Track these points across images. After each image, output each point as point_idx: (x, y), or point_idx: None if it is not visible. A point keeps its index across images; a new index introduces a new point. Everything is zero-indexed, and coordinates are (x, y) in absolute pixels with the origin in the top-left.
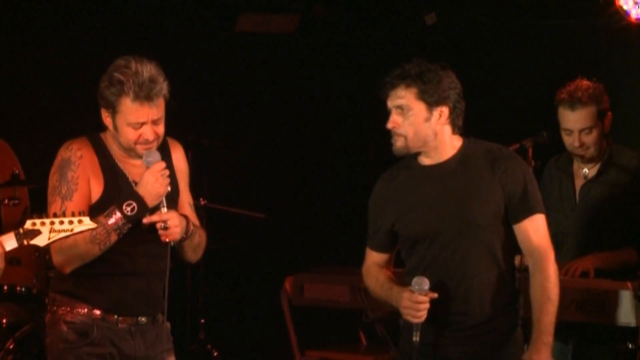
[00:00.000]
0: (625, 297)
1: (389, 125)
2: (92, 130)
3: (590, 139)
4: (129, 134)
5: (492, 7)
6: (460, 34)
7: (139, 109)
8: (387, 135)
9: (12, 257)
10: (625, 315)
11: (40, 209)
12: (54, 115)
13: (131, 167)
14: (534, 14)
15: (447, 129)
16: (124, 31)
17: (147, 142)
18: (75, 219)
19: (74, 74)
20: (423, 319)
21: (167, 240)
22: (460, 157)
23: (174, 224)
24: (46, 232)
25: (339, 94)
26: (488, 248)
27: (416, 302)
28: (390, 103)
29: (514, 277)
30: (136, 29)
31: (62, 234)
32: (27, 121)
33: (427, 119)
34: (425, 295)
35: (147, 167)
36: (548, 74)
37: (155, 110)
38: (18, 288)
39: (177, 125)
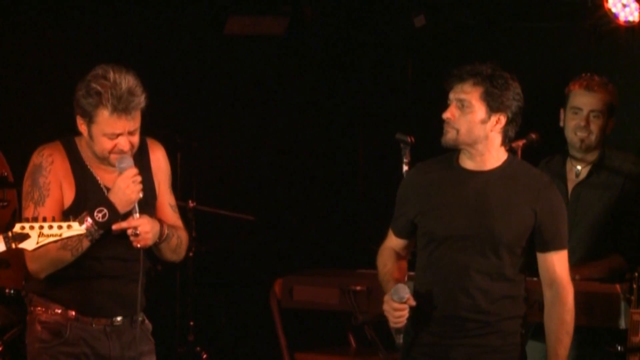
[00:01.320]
0: (614, 300)
1: (445, 115)
2: (76, 134)
3: (596, 124)
4: (105, 144)
5: (480, 9)
6: (449, 36)
7: (116, 122)
8: (376, 138)
9: (1, 260)
10: (614, 317)
11: None
12: (43, 117)
13: (103, 173)
14: (523, 17)
15: (498, 138)
16: (113, 34)
17: (121, 152)
18: (64, 224)
19: (62, 77)
20: (400, 325)
21: (139, 245)
22: (502, 171)
23: (144, 229)
24: (35, 236)
25: (328, 97)
26: (503, 263)
27: (393, 309)
28: (452, 95)
29: (525, 291)
30: (125, 32)
31: (51, 239)
32: (16, 123)
33: (484, 122)
34: (405, 302)
35: (120, 173)
36: (537, 76)
37: (132, 123)
38: (7, 290)
39: (165, 127)
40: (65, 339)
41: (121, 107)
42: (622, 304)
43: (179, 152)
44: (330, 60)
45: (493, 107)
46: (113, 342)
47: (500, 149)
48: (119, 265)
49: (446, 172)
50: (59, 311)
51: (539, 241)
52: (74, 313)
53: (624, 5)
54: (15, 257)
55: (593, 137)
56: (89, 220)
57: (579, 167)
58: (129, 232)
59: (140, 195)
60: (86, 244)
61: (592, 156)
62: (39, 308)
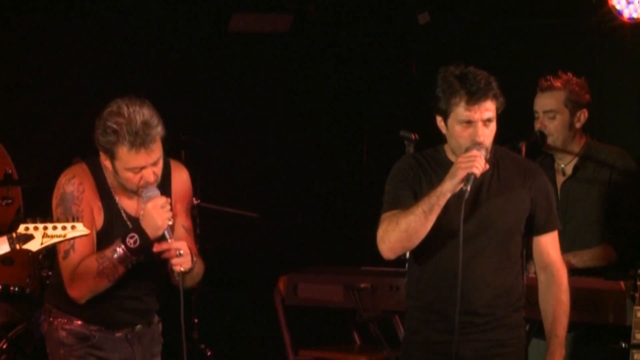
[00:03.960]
0: (619, 297)
1: (481, 139)
2: (83, 133)
3: (553, 125)
4: (130, 178)
5: (484, 6)
6: (453, 33)
7: (136, 157)
8: (380, 135)
9: (5, 257)
10: (618, 314)
11: (33, 208)
12: (47, 115)
13: (125, 199)
14: (527, 14)
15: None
16: (117, 33)
17: (147, 184)
18: (68, 225)
19: (68, 74)
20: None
21: (181, 268)
22: (492, 161)
23: (187, 251)
24: (39, 237)
25: (333, 94)
26: (506, 250)
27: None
28: (478, 115)
29: (523, 279)
30: (130, 30)
31: (55, 239)
32: (21, 121)
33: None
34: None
35: (146, 202)
36: (540, 73)
37: (153, 155)
38: (12, 288)
39: (170, 125)
40: (93, 343)
41: (139, 143)
42: (627, 301)
43: (183, 149)
44: (334, 57)
45: (499, 108)
46: (136, 346)
47: None
48: (139, 286)
49: (438, 166)
50: (81, 323)
51: (534, 224)
52: (95, 327)
53: (628, 2)
54: (19, 254)
55: (554, 138)
56: (122, 247)
57: (562, 165)
58: (173, 253)
59: (170, 222)
60: (121, 269)
61: (574, 152)
62: (60, 319)
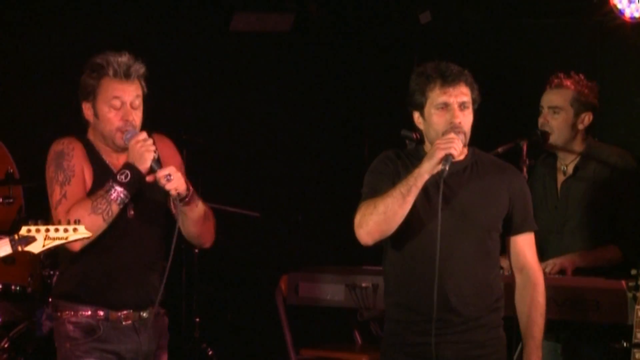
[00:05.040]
0: (620, 296)
1: (458, 120)
2: (84, 132)
3: (555, 121)
4: (110, 115)
5: (486, 5)
6: (455, 32)
7: (118, 86)
8: (382, 134)
9: (6, 256)
10: (620, 313)
11: (34, 207)
12: (49, 114)
13: (115, 161)
14: (528, 13)
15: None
16: (119, 32)
17: (127, 124)
18: (70, 227)
19: (68, 73)
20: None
21: (174, 191)
22: (470, 160)
23: (176, 173)
24: (41, 239)
25: (334, 93)
26: (484, 247)
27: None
28: (453, 99)
29: (500, 278)
30: (131, 29)
31: (57, 242)
32: (22, 120)
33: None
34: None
35: (129, 140)
36: (542, 72)
37: (133, 89)
38: (13, 287)
39: (172, 124)
40: (99, 335)
41: (122, 71)
42: (628, 300)
43: (185, 148)
44: (336, 56)
45: (474, 101)
46: (142, 336)
47: None
48: (138, 253)
49: (416, 160)
50: (88, 312)
51: (511, 224)
52: (102, 313)
53: (630, 2)
54: (20, 253)
55: (555, 136)
56: (115, 185)
57: (564, 164)
58: (163, 179)
59: (155, 154)
60: (115, 208)
61: (575, 152)
62: (67, 312)
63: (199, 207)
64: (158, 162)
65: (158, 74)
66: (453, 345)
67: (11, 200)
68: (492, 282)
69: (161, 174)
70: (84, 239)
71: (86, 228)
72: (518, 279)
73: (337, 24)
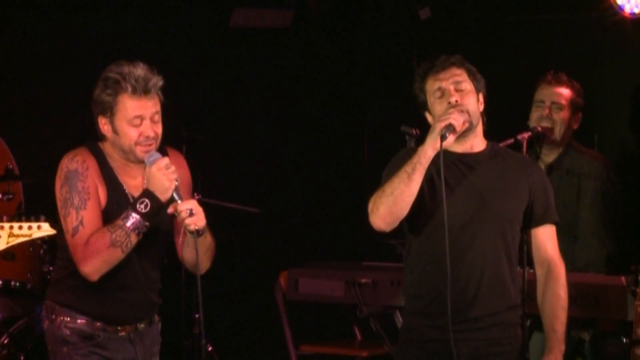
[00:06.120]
0: (620, 292)
1: (453, 99)
2: (83, 127)
3: (559, 115)
4: (130, 132)
5: (485, 1)
6: (454, 28)
7: (137, 103)
8: (381, 130)
9: (6, 253)
10: (619, 309)
11: (33, 203)
12: (48, 110)
13: (128, 179)
14: (528, 9)
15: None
16: (118, 28)
17: (147, 139)
18: (34, 224)
19: (68, 70)
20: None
21: (195, 227)
22: (489, 152)
23: (198, 209)
24: (5, 236)
25: (334, 89)
26: (506, 241)
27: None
28: (444, 83)
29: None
30: (130, 25)
31: (21, 239)
32: (21, 116)
33: (477, 100)
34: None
35: (150, 166)
36: (542, 68)
37: (153, 104)
38: (12, 283)
39: (171, 120)
40: (98, 342)
41: (140, 88)
42: (628, 296)
43: (184, 144)
44: (335, 52)
45: (477, 86)
46: (138, 346)
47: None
48: (138, 275)
49: (435, 157)
50: (83, 321)
51: (532, 216)
52: (99, 324)
53: None
54: (20, 249)
55: (556, 130)
56: (134, 214)
57: (546, 161)
58: (185, 213)
59: (176, 182)
60: (134, 238)
61: (551, 156)
62: (63, 317)
63: (207, 240)
64: (178, 192)
65: (157, 70)
66: (470, 342)
67: (11, 196)
68: (511, 279)
69: (183, 207)
70: (47, 236)
71: (105, 262)
72: (540, 273)
73: (337, 20)
